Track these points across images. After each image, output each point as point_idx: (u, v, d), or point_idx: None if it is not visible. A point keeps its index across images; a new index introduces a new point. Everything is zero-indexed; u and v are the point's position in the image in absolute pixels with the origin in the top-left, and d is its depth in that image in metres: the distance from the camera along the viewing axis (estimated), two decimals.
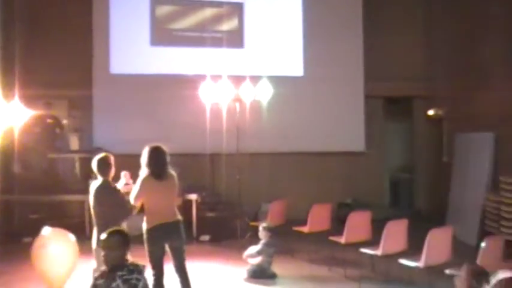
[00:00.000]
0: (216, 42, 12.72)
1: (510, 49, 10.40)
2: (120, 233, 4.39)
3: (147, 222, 6.09)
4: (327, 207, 9.70)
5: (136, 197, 6.06)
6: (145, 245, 6.08)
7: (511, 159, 10.05)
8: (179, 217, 6.23)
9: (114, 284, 4.08)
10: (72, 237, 7.35)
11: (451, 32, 12.81)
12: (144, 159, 6.13)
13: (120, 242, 4.23)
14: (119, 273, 4.11)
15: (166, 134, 10.54)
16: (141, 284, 4.12)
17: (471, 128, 11.45)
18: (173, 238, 6.15)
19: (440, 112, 13.06)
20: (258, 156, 12.48)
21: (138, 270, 4.20)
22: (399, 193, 14.53)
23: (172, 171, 6.26)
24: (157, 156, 6.13)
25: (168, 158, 6.21)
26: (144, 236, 6.10)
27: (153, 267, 6.07)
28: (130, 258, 4.27)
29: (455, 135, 12.24)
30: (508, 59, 10.45)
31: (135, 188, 6.13)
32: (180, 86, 11.63)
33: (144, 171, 6.13)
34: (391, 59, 13.27)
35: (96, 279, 4.22)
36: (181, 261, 6.23)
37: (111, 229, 4.38)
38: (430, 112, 13.23)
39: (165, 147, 6.22)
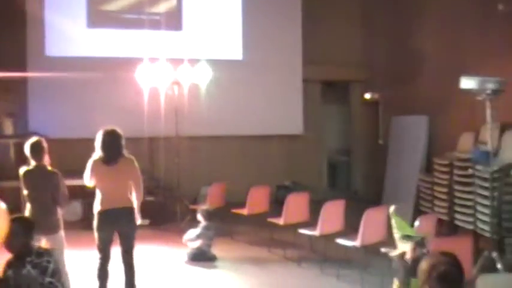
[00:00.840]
0: (154, 24, 12.54)
1: (443, 37, 10.69)
2: (22, 219, 4.36)
3: (98, 206, 5.99)
4: (265, 190, 9.78)
5: (86, 178, 6.01)
6: (94, 228, 6.00)
7: (443, 141, 10.37)
8: (131, 204, 6.05)
9: (24, 271, 3.99)
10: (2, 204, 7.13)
11: (388, 19, 13.07)
12: (97, 142, 6.01)
13: (23, 228, 4.15)
14: (28, 258, 4.03)
15: (103, 118, 10.28)
16: (51, 266, 4.03)
17: (406, 111, 11.74)
18: (122, 224, 6.02)
19: (376, 96, 13.32)
20: (197, 139, 12.45)
21: (48, 253, 4.14)
22: (337, 175, 14.79)
23: (129, 156, 6.12)
24: (109, 140, 5.99)
25: (123, 142, 6.07)
26: (94, 219, 6.01)
27: (99, 251, 5.99)
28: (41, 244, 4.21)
29: (391, 118, 12.52)
30: (441, 46, 10.75)
31: (86, 169, 6.02)
32: (117, 68, 11.40)
33: (96, 154, 6.03)
34: (329, 44, 13.42)
35: (4, 271, 4.09)
36: (127, 249, 6.11)
37: (13, 216, 4.29)
38: (367, 96, 13.48)
39: (120, 131, 6.06)
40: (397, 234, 4.76)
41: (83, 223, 9.44)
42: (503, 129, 8.56)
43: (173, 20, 12.81)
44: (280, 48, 13.26)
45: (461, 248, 5.85)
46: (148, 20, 12.55)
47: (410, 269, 4.11)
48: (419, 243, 4.51)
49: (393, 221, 4.71)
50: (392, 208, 4.99)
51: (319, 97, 14.25)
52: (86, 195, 8.27)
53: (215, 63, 11.61)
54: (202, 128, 12.32)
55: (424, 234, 4.72)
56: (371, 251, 7.33)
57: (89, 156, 6.10)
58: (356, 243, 7.19)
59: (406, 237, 4.57)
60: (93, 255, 6.15)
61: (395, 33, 12.63)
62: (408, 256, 4.45)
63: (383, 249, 6.89)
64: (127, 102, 11.57)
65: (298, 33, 13.33)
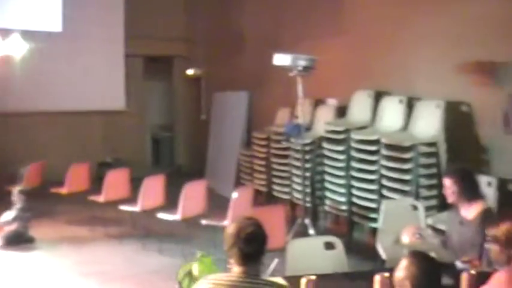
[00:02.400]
0: None
1: (263, 15, 11.05)
2: None
3: None
4: (85, 167, 9.54)
5: None
6: None
7: (263, 116, 10.77)
8: None
9: None
10: None
11: None
12: None
13: None
14: None
15: None
16: None
17: (228, 87, 11.99)
18: None
19: (199, 72, 13.46)
20: (13, 116, 11.76)
21: None
22: (161, 151, 14.77)
23: None
24: None
25: None
26: None
27: None
28: None
29: (213, 94, 12.74)
30: (261, 24, 11.11)
31: None
32: None
33: None
34: (151, 19, 13.24)
35: None
36: None
37: None
38: (189, 72, 13.57)
39: None
40: None
41: None
42: (316, 104, 9.10)
43: None
44: (102, 21, 12.84)
45: (276, 217, 6.18)
46: None
47: None
48: None
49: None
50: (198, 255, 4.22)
51: (142, 72, 14.06)
52: None
53: (32, 35, 10.96)
54: (19, 103, 11.64)
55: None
56: (192, 223, 7.50)
57: None
58: (176, 216, 7.30)
59: None
60: None
61: (218, 9, 12.80)
62: None
63: (203, 221, 7.13)
64: None
65: (120, 6, 13.01)
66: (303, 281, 3.35)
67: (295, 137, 8.10)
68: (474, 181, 4.51)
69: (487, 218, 4.22)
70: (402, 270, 2.95)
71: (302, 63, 6.65)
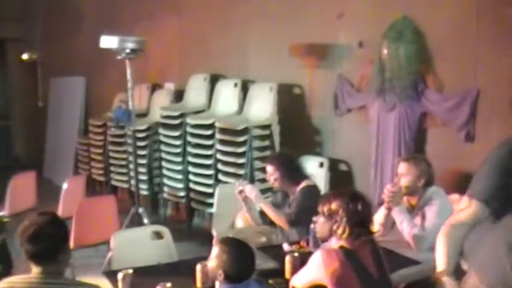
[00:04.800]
0: None
1: None
2: None
3: None
4: None
5: None
6: None
7: (98, 103, 10.30)
8: None
9: None
10: None
11: None
12: None
13: None
14: None
15: None
16: None
17: (65, 72, 11.34)
18: None
19: (34, 56, 12.59)
20: None
21: None
22: None
23: None
24: None
25: None
26: None
27: None
28: None
29: (50, 79, 12.02)
30: (99, 6, 10.56)
31: None
32: None
33: None
34: None
35: None
36: None
37: None
38: (25, 56, 12.67)
39: None
40: None
41: None
42: (153, 89, 8.79)
43: None
44: None
45: (108, 207, 5.85)
46: None
47: None
48: None
49: None
50: None
51: None
52: None
53: None
54: None
55: None
56: (23, 219, 6.91)
57: None
58: (4, 212, 6.69)
59: None
60: None
61: None
62: None
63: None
64: None
65: None
66: (119, 276, 3.25)
67: (125, 123, 7.75)
68: (295, 164, 4.50)
69: (306, 194, 4.24)
70: (214, 259, 2.87)
71: (130, 45, 6.28)
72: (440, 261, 2.67)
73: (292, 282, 3.13)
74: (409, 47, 5.26)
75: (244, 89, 7.18)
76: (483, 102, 4.86)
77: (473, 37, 4.89)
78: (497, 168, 2.60)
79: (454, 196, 3.76)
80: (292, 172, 4.39)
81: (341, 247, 2.92)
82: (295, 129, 6.70)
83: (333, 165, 6.23)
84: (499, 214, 2.54)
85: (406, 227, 3.79)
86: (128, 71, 6.47)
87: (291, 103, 6.78)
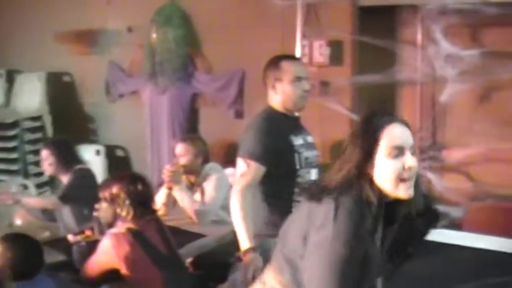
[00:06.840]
0: None
1: None
2: None
3: None
4: None
5: None
6: None
7: None
8: None
9: None
10: None
11: None
12: None
13: None
14: None
15: None
16: None
17: None
18: None
19: None
20: None
21: None
22: None
23: None
24: None
25: None
26: None
27: None
28: None
29: None
30: None
31: None
32: None
33: None
34: None
35: None
36: None
37: None
38: None
39: None
40: None
41: None
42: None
43: None
44: None
45: None
46: None
47: None
48: None
49: None
50: None
51: None
52: None
53: None
54: None
55: None
56: None
57: None
58: None
59: None
60: None
61: None
62: None
63: None
64: None
65: None
66: None
67: None
68: (71, 150, 4.44)
69: (78, 174, 4.21)
70: None
71: None
72: (243, 238, 2.68)
73: (83, 272, 3.06)
74: (177, 31, 5.43)
75: (11, 80, 6.79)
76: (249, 82, 5.21)
77: (237, 22, 5.20)
78: (262, 132, 2.77)
79: (230, 170, 3.97)
80: (67, 157, 4.32)
81: (128, 229, 2.95)
82: (68, 118, 6.50)
83: (110, 152, 6.21)
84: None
85: (187, 204, 3.91)
86: None
87: (62, 92, 6.58)
